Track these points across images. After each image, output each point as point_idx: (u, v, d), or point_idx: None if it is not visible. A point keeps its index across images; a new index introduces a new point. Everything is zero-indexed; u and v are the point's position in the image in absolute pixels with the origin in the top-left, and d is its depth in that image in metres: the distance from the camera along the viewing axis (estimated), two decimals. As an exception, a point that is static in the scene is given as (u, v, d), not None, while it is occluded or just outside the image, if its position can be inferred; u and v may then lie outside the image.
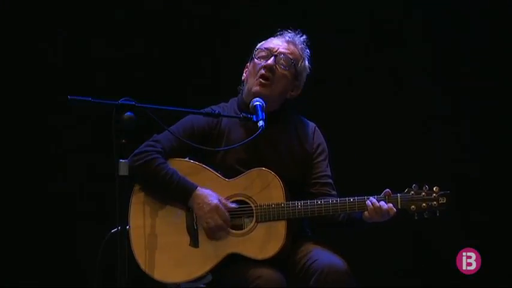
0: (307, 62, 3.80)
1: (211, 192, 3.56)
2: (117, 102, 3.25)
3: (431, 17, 5.02)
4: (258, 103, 3.63)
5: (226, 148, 3.62)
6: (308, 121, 3.86)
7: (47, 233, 4.94)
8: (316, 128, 3.84)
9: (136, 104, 3.26)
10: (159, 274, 3.53)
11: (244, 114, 3.63)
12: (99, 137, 4.76)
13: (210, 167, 3.65)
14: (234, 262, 3.52)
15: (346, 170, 4.15)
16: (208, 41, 5.07)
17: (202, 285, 3.61)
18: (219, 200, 3.55)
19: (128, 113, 3.23)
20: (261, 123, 3.56)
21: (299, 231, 3.70)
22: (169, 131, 3.60)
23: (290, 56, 3.73)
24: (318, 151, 3.78)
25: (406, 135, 4.98)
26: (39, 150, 5.01)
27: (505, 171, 4.99)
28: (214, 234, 3.54)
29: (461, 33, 4.99)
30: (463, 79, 4.99)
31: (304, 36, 3.81)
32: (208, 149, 3.63)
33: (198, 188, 3.57)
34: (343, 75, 5.03)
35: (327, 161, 3.80)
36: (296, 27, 3.84)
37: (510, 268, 4.95)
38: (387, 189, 3.60)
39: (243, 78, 3.83)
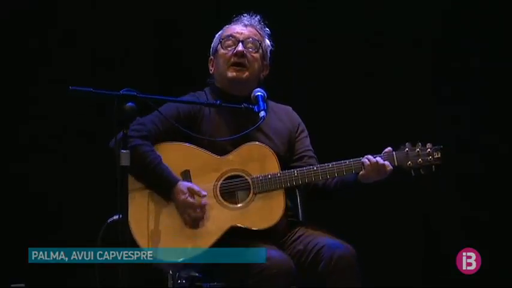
0: (268, 40, 3.88)
1: (184, 187, 3.54)
2: (118, 93, 3.24)
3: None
4: (259, 93, 3.70)
5: (228, 139, 3.63)
6: (282, 104, 3.92)
7: (44, 229, 4.93)
8: (292, 109, 3.92)
9: (138, 95, 3.26)
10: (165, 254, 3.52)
11: (245, 105, 3.67)
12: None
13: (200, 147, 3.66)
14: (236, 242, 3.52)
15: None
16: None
17: (198, 276, 3.62)
18: (190, 192, 3.53)
19: (129, 104, 3.23)
20: (262, 113, 3.63)
21: (295, 220, 3.74)
22: (171, 122, 3.60)
23: (256, 38, 3.82)
24: (300, 129, 3.85)
25: (407, 133, 4.97)
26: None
27: (506, 171, 5.01)
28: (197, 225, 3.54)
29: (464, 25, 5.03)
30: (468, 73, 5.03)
31: (258, 17, 3.89)
32: (207, 138, 3.64)
33: (179, 182, 3.55)
34: (340, 68, 5.06)
35: (308, 139, 3.86)
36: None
37: (510, 268, 4.96)
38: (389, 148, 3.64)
39: (210, 71, 3.88)
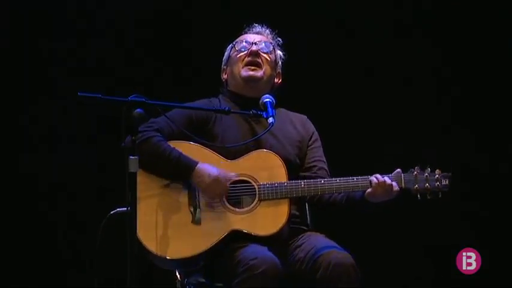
0: (279, 50, 3.93)
1: (211, 166, 3.57)
2: (127, 99, 3.22)
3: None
4: (267, 100, 3.73)
5: (238, 145, 3.65)
6: (298, 113, 3.94)
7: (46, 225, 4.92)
8: (307, 118, 3.93)
9: (146, 101, 3.24)
10: (165, 250, 3.50)
11: (254, 111, 3.68)
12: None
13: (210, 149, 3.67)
14: (232, 248, 3.51)
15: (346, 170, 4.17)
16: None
17: (205, 282, 3.62)
18: (219, 172, 3.55)
19: (138, 110, 3.21)
20: (271, 119, 3.65)
21: (303, 227, 3.74)
22: (182, 131, 3.61)
23: (268, 42, 3.88)
24: (313, 138, 3.87)
25: (412, 131, 4.99)
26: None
27: (507, 171, 5.03)
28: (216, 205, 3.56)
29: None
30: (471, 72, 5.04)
31: (269, 29, 3.95)
32: (218, 145, 3.66)
33: (199, 163, 3.57)
34: (344, 70, 5.06)
35: (321, 149, 3.87)
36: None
37: (510, 268, 4.98)
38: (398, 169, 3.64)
39: (223, 79, 3.92)
